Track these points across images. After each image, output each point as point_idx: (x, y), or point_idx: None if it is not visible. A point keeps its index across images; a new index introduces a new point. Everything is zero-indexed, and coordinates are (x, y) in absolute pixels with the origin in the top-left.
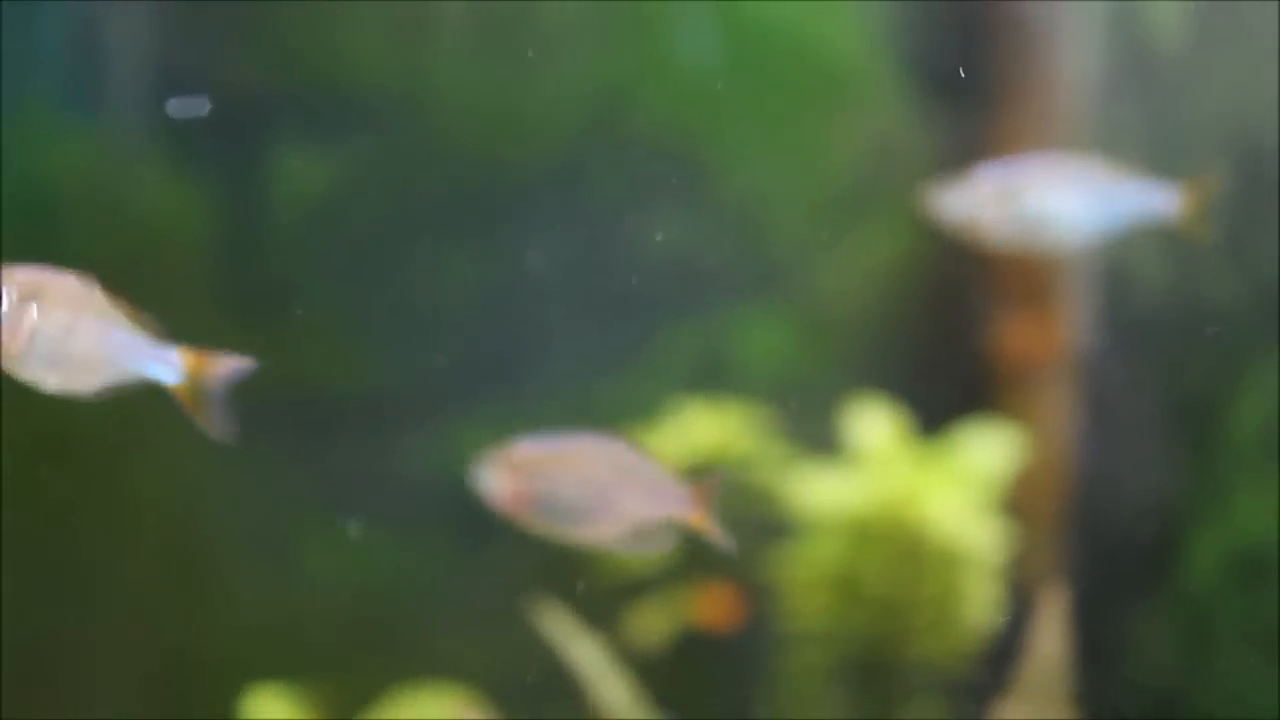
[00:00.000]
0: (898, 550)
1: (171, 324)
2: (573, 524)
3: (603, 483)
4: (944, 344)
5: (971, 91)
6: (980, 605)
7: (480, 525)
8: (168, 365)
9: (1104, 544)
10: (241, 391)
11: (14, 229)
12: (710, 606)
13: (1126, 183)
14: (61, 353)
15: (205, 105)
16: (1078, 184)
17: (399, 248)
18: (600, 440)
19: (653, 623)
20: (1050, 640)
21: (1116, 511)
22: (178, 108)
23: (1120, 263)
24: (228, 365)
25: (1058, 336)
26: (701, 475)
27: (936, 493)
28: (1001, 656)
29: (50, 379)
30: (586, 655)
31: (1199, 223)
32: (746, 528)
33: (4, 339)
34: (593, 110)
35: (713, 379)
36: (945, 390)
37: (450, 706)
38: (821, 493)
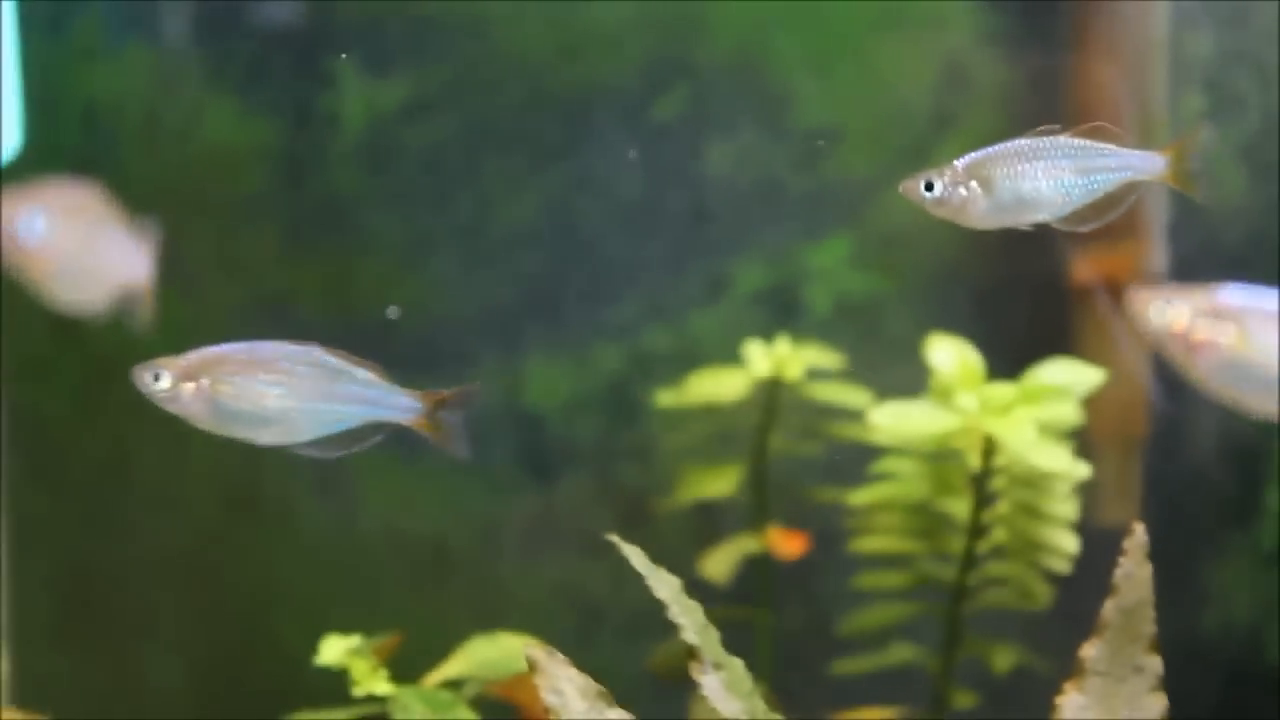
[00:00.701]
0: (973, 476)
1: (236, 250)
2: (261, 427)
3: (293, 388)
4: (1021, 272)
5: (1048, 13)
6: (1058, 531)
7: (546, 461)
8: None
9: (1182, 483)
10: (303, 321)
11: (79, 156)
12: (782, 537)
13: (1106, 156)
14: (79, 267)
15: None
16: (1051, 170)
17: (466, 176)
18: (296, 347)
19: (721, 556)
20: (1135, 580)
21: (1196, 444)
22: None
23: (1199, 187)
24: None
25: (1136, 263)
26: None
27: (1012, 423)
28: (1080, 592)
29: (69, 295)
30: (665, 588)
31: (1187, 182)
32: (821, 455)
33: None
34: (659, 34)
35: (787, 312)
36: (1020, 322)
37: (526, 649)
38: (896, 418)
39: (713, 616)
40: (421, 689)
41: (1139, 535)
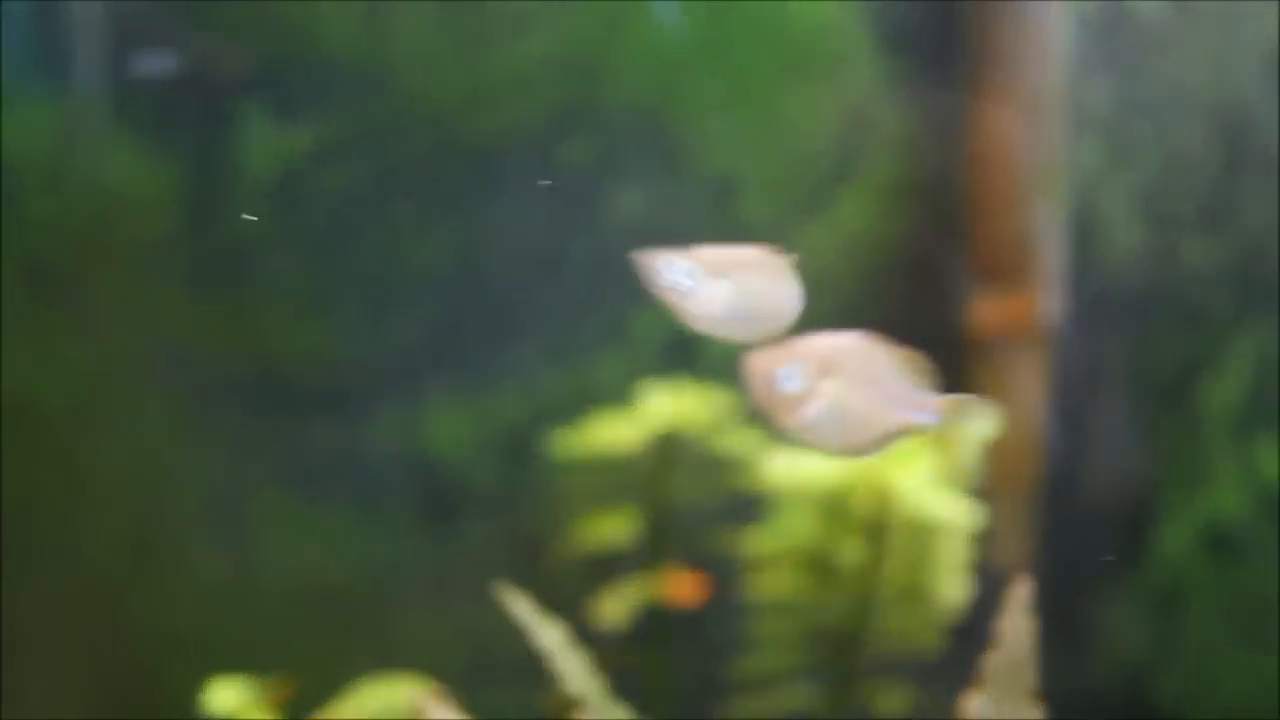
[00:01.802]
0: (868, 525)
1: (138, 296)
2: None
3: None
4: (918, 319)
5: (948, 62)
6: (951, 581)
7: (445, 507)
8: None
9: (1076, 522)
10: (206, 366)
11: None
12: (677, 585)
13: None
14: None
15: None
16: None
17: (367, 222)
18: None
19: (617, 601)
20: (1017, 633)
21: (1089, 489)
22: None
23: (1092, 229)
24: None
25: (1032, 311)
26: (671, 456)
27: (906, 467)
28: (970, 637)
29: None
30: (549, 638)
31: None
32: (716, 504)
33: None
34: (565, 81)
35: (684, 359)
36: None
37: (414, 696)
38: (791, 467)
39: (606, 662)
40: None
41: (1022, 588)
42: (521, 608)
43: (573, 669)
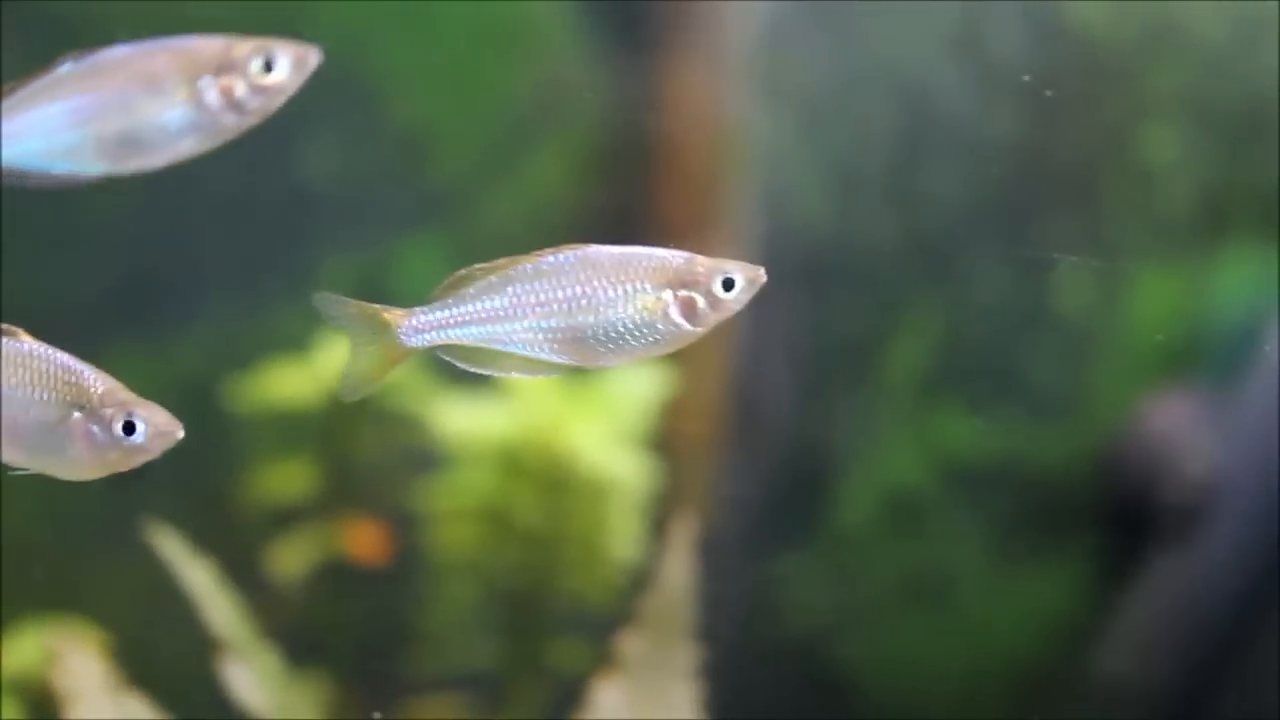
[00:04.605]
0: (545, 482)
1: None
2: None
3: None
4: None
5: (642, 29)
6: (627, 538)
7: None
8: None
9: (756, 482)
10: None
11: None
12: (357, 538)
13: None
14: None
15: None
16: None
17: None
18: None
19: (296, 553)
20: (676, 571)
21: (769, 449)
22: None
23: (780, 198)
24: None
25: None
26: (349, 407)
27: (584, 423)
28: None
29: None
30: (197, 579)
31: None
32: (395, 458)
33: None
34: (256, 28)
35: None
36: None
37: (54, 641)
38: (469, 422)
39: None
40: None
41: (682, 528)
42: (170, 547)
43: (220, 610)
